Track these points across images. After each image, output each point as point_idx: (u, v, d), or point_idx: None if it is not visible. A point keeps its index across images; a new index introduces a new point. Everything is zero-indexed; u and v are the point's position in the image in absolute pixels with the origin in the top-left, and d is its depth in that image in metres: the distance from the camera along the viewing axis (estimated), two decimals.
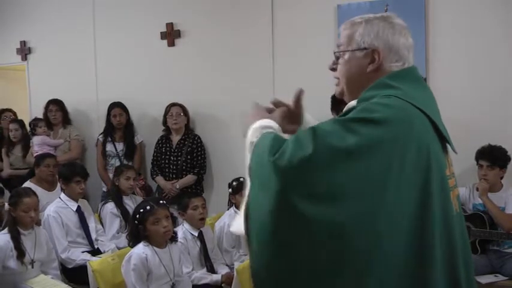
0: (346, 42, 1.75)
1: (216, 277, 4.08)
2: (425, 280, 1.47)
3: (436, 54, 4.58)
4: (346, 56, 1.73)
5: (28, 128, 6.28)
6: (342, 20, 4.85)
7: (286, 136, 1.63)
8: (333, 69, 1.83)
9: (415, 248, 1.46)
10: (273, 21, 5.21)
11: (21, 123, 6.33)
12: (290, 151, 1.45)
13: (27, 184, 5.19)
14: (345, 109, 1.70)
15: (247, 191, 1.58)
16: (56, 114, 6.20)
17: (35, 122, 6.15)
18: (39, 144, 5.96)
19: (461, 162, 4.37)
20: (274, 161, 1.46)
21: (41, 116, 6.28)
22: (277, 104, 1.94)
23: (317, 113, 4.78)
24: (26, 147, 6.16)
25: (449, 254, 1.54)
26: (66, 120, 6.29)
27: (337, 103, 4.35)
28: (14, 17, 7.04)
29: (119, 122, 5.84)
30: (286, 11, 5.16)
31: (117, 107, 5.86)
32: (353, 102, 1.68)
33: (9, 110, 6.91)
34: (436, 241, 1.49)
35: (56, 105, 6.22)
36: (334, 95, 4.40)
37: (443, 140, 1.63)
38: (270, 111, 1.89)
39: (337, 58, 1.78)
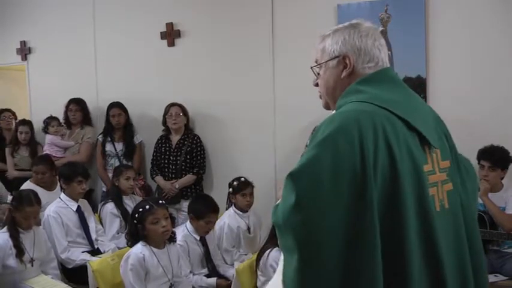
0: (320, 56, 1.86)
1: (211, 282, 4.07)
2: (404, 277, 1.55)
3: (436, 54, 4.57)
4: (323, 68, 1.85)
5: (42, 125, 6.27)
6: (342, 20, 4.83)
7: None
8: (317, 85, 1.92)
9: (389, 245, 1.53)
10: (273, 22, 5.21)
11: (31, 125, 6.33)
12: (280, 208, 1.58)
13: (27, 184, 5.19)
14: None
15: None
16: (76, 114, 6.17)
17: (48, 120, 6.15)
18: (48, 144, 5.99)
19: None
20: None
21: (50, 114, 6.27)
22: None
23: (317, 113, 4.79)
24: (33, 149, 6.18)
25: (428, 252, 1.59)
26: (86, 121, 6.25)
27: None
28: (14, 17, 7.03)
29: (117, 122, 5.84)
30: (286, 11, 5.16)
31: (115, 107, 5.86)
32: (333, 111, 1.78)
33: (9, 110, 6.90)
34: (410, 239, 1.55)
35: (76, 104, 6.19)
36: None
37: (422, 137, 1.68)
38: None
39: (318, 74, 1.89)
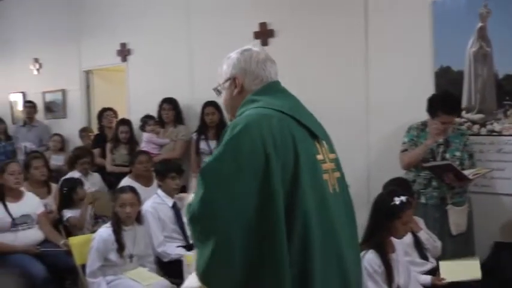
0: (219, 79, 2.24)
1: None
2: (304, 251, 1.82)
3: None
4: (221, 88, 2.25)
5: (138, 124, 6.54)
6: (437, 17, 4.74)
7: None
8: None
9: (292, 223, 1.81)
10: (366, 19, 5.12)
11: (130, 125, 6.60)
12: (193, 203, 1.87)
13: (126, 179, 5.42)
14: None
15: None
16: (169, 113, 6.40)
17: (146, 119, 6.40)
18: (145, 141, 6.23)
19: None
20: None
21: (148, 113, 6.54)
22: None
23: (413, 113, 4.68)
24: (132, 147, 6.44)
25: (327, 228, 1.89)
26: (178, 120, 6.47)
27: (433, 105, 4.24)
28: (115, 21, 7.35)
29: (211, 120, 5.95)
30: (380, 9, 5.06)
31: (210, 106, 5.97)
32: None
33: (110, 109, 7.22)
34: (311, 214, 1.84)
35: (169, 104, 6.42)
36: (430, 97, 4.28)
37: (312, 132, 2.02)
38: None
39: (220, 91, 2.27)
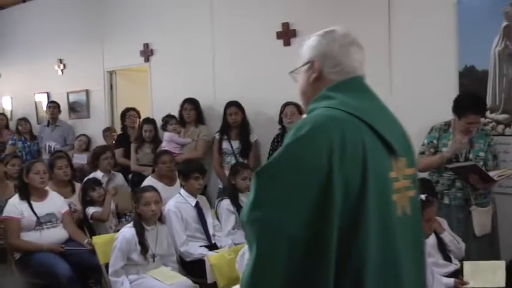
0: (297, 62, 1.96)
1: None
2: (356, 275, 1.59)
3: None
4: (299, 73, 1.96)
5: (160, 123, 6.58)
6: (462, 16, 4.69)
7: None
8: None
9: (348, 244, 1.59)
10: (389, 19, 5.09)
11: (154, 123, 6.65)
12: (246, 204, 1.67)
13: (149, 179, 5.46)
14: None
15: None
16: (190, 113, 6.43)
17: (167, 118, 6.44)
18: (167, 140, 6.26)
19: None
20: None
21: (169, 112, 6.55)
22: None
23: (437, 113, 4.65)
24: (156, 146, 6.47)
25: (387, 254, 1.66)
26: (199, 120, 6.50)
27: (460, 104, 4.20)
28: (138, 21, 7.40)
29: (234, 120, 5.96)
30: (404, 8, 5.02)
31: (233, 106, 5.98)
32: (305, 115, 1.85)
33: (133, 109, 7.27)
34: (370, 240, 1.61)
35: (190, 104, 6.45)
36: (457, 97, 4.23)
37: (388, 144, 1.74)
38: None
39: (295, 77, 1.99)
